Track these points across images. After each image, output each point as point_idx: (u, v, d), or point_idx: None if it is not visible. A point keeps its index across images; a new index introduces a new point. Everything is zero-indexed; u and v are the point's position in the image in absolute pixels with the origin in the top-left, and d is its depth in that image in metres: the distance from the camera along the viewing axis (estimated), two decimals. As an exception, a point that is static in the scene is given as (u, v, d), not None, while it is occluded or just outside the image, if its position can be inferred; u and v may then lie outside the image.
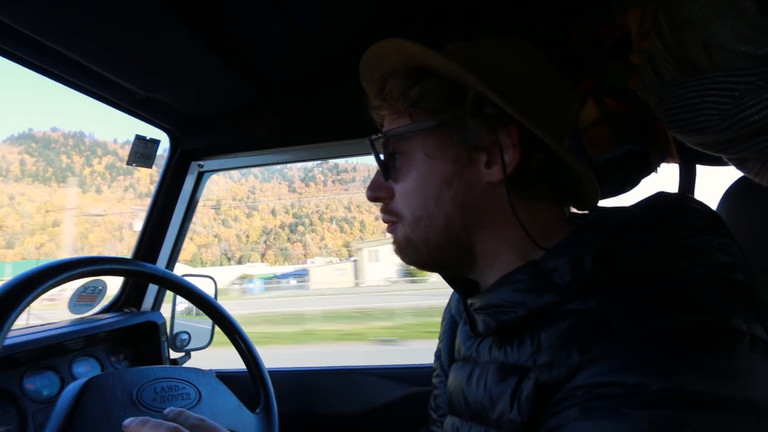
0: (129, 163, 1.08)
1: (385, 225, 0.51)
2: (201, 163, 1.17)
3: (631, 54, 0.70)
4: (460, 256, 0.48)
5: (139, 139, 1.08)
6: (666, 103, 0.52)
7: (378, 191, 0.50)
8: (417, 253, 0.49)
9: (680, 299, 0.34)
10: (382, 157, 0.50)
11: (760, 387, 0.30)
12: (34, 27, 0.69)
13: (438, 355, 0.64)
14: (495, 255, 0.47)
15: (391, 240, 0.51)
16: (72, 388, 0.64)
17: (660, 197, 0.44)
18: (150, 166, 1.14)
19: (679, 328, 0.32)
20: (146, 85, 0.93)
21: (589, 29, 0.77)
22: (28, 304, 0.60)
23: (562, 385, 0.35)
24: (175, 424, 0.42)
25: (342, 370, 1.24)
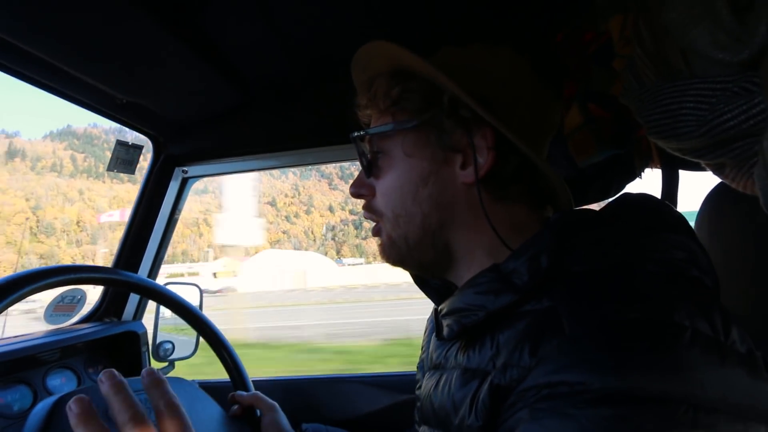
0: (109, 169, 1.06)
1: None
2: (185, 168, 1.15)
3: (614, 60, 0.70)
4: (438, 255, 0.49)
5: (121, 144, 1.06)
6: (646, 108, 0.52)
7: (360, 188, 0.52)
8: (398, 252, 0.50)
9: (624, 296, 0.34)
10: (365, 155, 0.52)
11: (701, 382, 0.30)
12: (10, 30, 0.68)
13: (420, 365, 0.63)
14: (470, 256, 0.48)
15: (378, 242, 0.52)
16: (41, 408, 0.61)
17: (625, 198, 0.45)
18: (132, 173, 1.12)
19: (621, 325, 0.32)
20: (127, 89, 0.91)
21: (572, 35, 0.78)
22: (2, 311, 0.59)
23: (515, 387, 0.35)
24: (141, 411, 0.37)
25: (327, 379, 1.22)
